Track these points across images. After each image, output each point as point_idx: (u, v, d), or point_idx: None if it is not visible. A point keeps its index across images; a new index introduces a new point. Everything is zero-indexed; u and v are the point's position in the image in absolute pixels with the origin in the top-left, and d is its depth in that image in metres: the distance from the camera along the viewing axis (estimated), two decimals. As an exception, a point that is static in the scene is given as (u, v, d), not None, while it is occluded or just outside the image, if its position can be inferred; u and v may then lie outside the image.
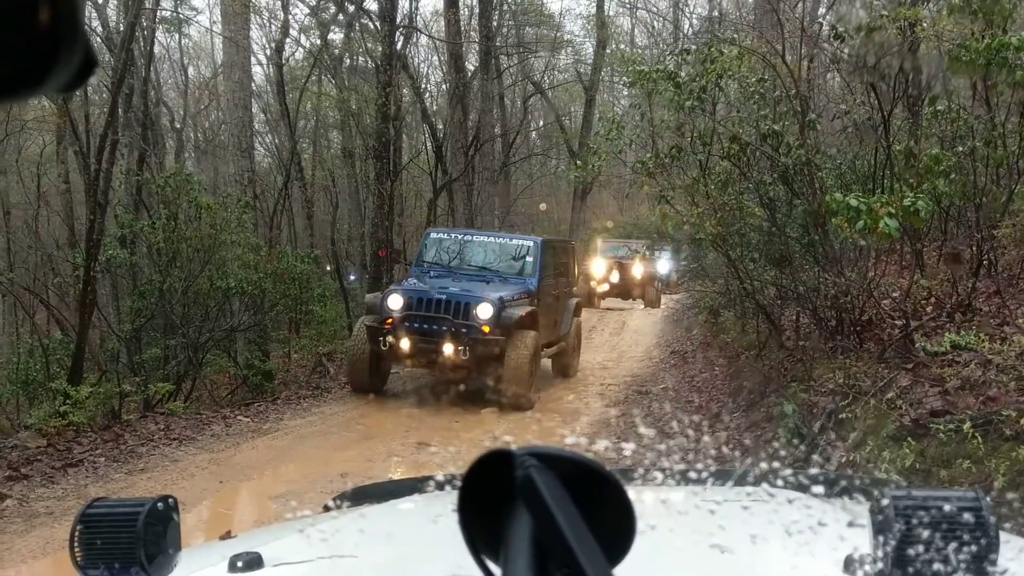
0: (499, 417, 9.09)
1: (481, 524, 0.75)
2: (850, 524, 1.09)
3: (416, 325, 9.35)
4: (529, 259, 10.67)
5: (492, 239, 11.33)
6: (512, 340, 9.30)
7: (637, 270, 21.49)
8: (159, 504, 1.19)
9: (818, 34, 9.41)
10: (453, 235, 11.58)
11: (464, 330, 9.27)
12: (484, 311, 9.31)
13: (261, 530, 1.85)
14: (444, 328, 9.27)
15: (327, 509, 1.75)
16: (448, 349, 9.27)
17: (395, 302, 9.48)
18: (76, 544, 1.17)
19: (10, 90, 0.52)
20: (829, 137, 9.42)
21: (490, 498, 0.74)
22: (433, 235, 11.55)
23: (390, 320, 9.39)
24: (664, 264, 23.25)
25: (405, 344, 9.38)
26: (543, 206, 28.70)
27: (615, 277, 21.88)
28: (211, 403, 10.93)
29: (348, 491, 1.76)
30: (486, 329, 9.24)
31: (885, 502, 1.01)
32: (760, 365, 8.62)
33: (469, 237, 11.40)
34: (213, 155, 23.29)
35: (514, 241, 11.16)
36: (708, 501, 1.06)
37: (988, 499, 1.02)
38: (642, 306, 21.64)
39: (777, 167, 7.90)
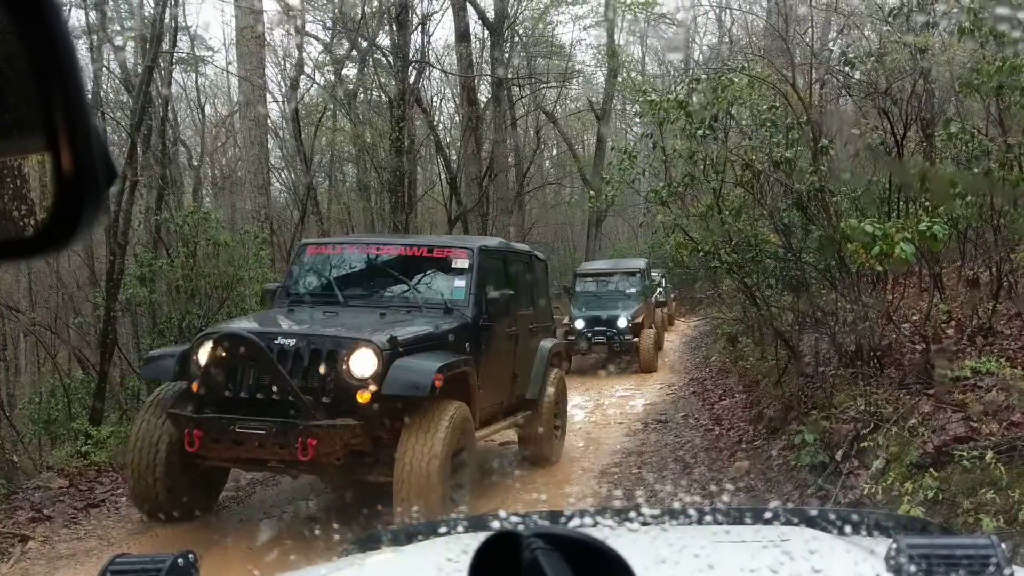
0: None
1: None
2: None
3: None
4: None
5: None
6: None
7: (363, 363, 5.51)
8: (179, 560, 1.21)
9: (828, 60, 9.45)
10: None
11: None
12: None
13: None
14: None
15: (343, 555, 1.75)
16: None
17: None
18: None
19: (42, 247, 0.52)
20: (843, 162, 9.40)
21: None
22: None
23: None
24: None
25: None
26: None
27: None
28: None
29: (360, 538, 1.78)
30: None
31: (900, 550, 1.01)
32: (780, 392, 8.54)
33: None
34: (230, 191, 23.49)
35: None
36: (713, 569, 1.07)
37: (1003, 546, 1.02)
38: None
39: (791, 193, 7.88)
